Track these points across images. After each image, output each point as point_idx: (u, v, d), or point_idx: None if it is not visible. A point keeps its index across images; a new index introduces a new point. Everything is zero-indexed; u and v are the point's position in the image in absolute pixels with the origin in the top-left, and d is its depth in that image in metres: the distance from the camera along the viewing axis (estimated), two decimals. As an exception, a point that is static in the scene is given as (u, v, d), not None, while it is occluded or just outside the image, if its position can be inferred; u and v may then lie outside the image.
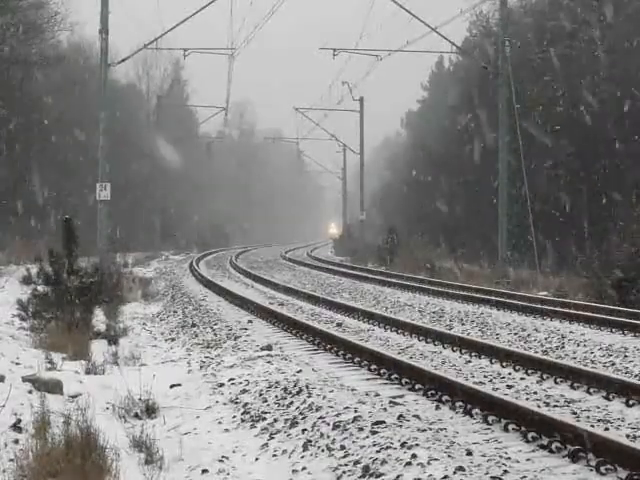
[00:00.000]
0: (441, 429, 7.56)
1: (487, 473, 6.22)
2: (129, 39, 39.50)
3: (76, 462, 6.17)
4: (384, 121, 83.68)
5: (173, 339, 14.75)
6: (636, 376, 10.41)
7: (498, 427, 7.87)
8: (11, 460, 6.35)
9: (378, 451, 6.74)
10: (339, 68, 38.98)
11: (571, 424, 7.27)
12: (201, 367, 11.23)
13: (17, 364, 10.50)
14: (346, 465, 6.67)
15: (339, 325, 15.92)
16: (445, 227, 41.26)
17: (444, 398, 8.97)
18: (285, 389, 9.10)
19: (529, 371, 10.57)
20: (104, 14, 25.26)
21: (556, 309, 17.05)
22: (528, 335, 14.08)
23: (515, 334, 14.29)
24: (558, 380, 9.97)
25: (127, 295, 20.87)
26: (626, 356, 11.78)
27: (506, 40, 27.54)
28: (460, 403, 8.66)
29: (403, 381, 9.99)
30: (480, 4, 34.70)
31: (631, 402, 8.77)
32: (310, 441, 7.35)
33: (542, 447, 7.18)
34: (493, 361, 11.39)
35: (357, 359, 11.51)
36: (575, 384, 9.70)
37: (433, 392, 9.21)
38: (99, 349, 12.48)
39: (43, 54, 37.44)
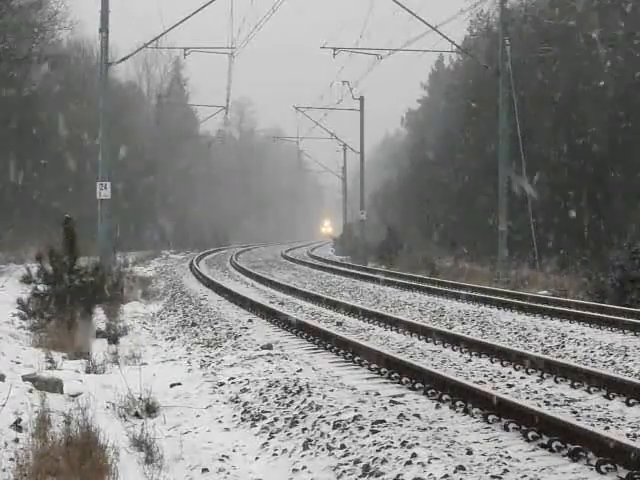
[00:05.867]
0: (441, 428, 7.55)
1: (487, 472, 6.22)
2: (129, 38, 39.54)
3: (76, 461, 6.17)
4: (384, 120, 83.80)
5: (173, 338, 14.74)
6: (636, 375, 10.42)
7: (498, 426, 7.86)
8: (11, 459, 6.35)
9: (378, 450, 6.73)
10: (339, 67, 38.97)
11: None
12: (201, 366, 11.23)
13: (17, 363, 10.51)
14: (346, 464, 6.66)
15: (339, 324, 15.92)
16: (445, 226, 41.23)
17: (444, 397, 8.98)
18: (285, 388, 9.10)
19: (529, 370, 10.59)
20: (104, 13, 25.20)
21: (556, 308, 17.03)
22: (528, 334, 14.08)
23: (515, 333, 14.29)
24: (558, 379, 9.99)
25: (127, 294, 20.84)
26: (626, 355, 11.78)
27: (506, 39, 27.53)
28: (460, 402, 8.67)
29: (403, 380, 10.00)
30: (480, 3, 34.64)
31: (631, 401, 8.77)
32: (310, 440, 7.35)
33: (542, 446, 7.17)
34: (494, 360, 11.41)
35: (357, 358, 11.51)
36: (575, 383, 9.71)
37: (433, 391, 9.23)
38: (99, 348, 12.49)
39: (43, 53, 37.39)
